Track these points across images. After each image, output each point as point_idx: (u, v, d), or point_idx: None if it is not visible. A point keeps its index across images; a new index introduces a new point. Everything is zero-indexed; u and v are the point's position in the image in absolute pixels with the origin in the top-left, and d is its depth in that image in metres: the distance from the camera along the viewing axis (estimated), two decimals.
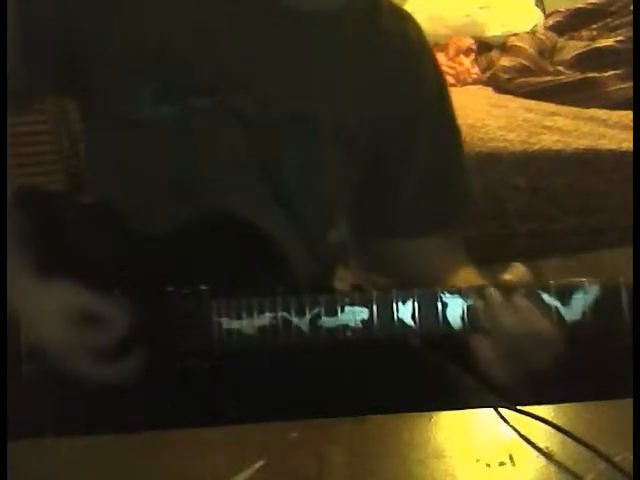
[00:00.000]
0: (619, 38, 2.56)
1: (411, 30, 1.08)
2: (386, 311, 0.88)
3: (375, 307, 0.89)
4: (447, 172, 1.11)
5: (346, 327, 0.89)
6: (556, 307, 0.87)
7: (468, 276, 1.01)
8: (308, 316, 0.89)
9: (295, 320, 0.89)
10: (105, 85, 0.97)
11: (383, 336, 0.89)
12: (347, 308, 0.89)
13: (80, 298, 0.88)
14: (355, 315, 0.89)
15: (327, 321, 0.89)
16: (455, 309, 0.88)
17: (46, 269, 0.89)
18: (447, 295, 0.88)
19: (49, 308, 0.87)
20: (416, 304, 0.88)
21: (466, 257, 1.09)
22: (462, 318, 0.88)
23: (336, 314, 0.89)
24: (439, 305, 0.88)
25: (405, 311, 0.88)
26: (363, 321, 0.89)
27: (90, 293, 0.88)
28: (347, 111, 1.01)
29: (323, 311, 0.89)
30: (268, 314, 0.89)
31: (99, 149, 1.07)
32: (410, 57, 1.06)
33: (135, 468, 0.77)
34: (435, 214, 1.10)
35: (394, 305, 0.88)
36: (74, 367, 0.88)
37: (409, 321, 0.88)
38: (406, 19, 1.08)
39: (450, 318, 0.88)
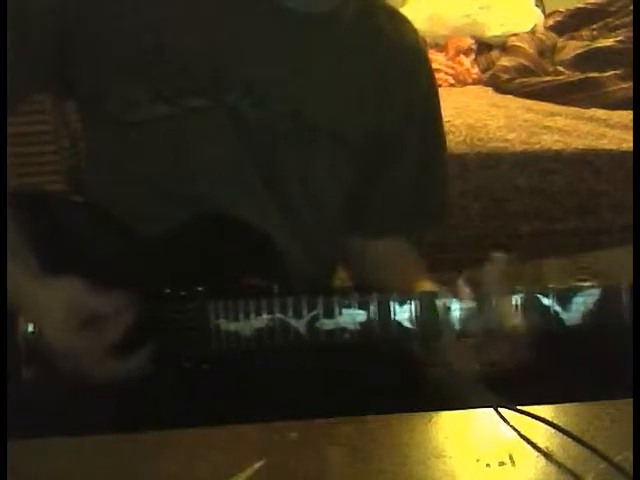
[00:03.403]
0: (619, 38, 2.56)
1: (407, 33, 1.08)
2: (384, 313, 0.88)
3: (373, 309, 0.88)
4: (432, 175, 1.13)
5: (344, 329, 0.89)
6: (555, 310, 0.87)
7: (422, 280, 1.01)
8: (306, 318, 0.88)
9: (293, 322, 0.88)
10: (102, 86, 0.97)
11: (381, 338, 0.89)
12: (345, 310, 0.89)
13: (83, 296, 0.88)
14: (353, 317, 0.89)
15: (325, 323, 0.89)
16: (453, 312, 0.88)
17: (44, 269, 0.89)
18: (445, 297, 0.88)
19: (52, 306, 0.87)
20: (414, 306, 0.88)
21: (422, 262, 1.09)
22: (460, 321, 0.88)
23: (334, 316, 0.89)
24: (437, 307, 0.88)
25: (403, 313, 0.88)
26: (361, 323, 0.89)
27: (92, 292, 0.88)
28: (343, 111, 1.01)
29: (321, 313, 0.88)
30: (265, 316, 0.89)
31: (98, 149, 1.07)
32: (405, 59, 1.07)
33: (135, 468, 0.76)
34: (415, 216, 1.12)
35: (392, 307, 0.88)
36: (76, 365, 0.88)
37: (407, 323, 0.88)
38: (402, 21, 1.09)
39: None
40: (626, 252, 0.99)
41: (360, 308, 0.88)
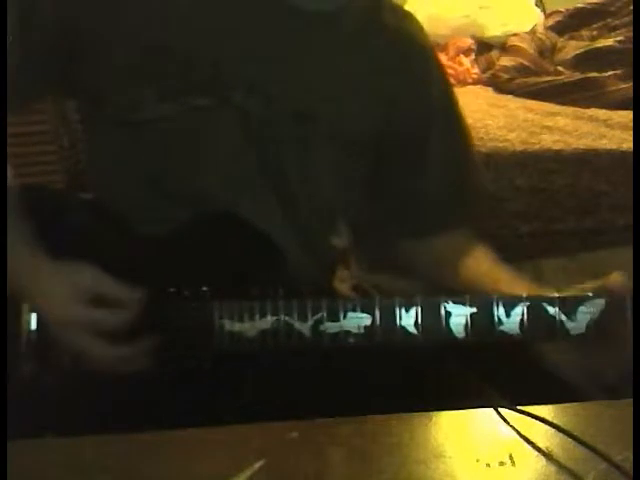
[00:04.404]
0: (619, 38, 2.56)
1: (413, 29, 1.08)
2: (389, 318, 0.88)
3: (378, 313, 0.88)
4: (461, 167, 1.12)
5: (348, 333, 0.89)
6: (560, 318, 0.87)
7: (494, 271, 1.02)
8: (310, 321, 0.88)
9: (297, 324, 0.88)
10: (105, 85, 0.97)
11: (385, 342, 0.89)
12: (349, 314, 0.89)
13: (90, 278, 0.88)
14: (357, 321, 0.89)
15: (329, 326, 0.89)
16: (458, 317, 0.88)
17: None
18: (450, 303, 0.88)
19: (59, 283, 0.87)
20: (419, 312, 0.88)
21: (485, 247, 1.09)
22: (465, 326, 0.88)
23: (338, 319, 0.89)
24: (442, 313, 0.88)
25: (408, 318, 0.88)
26: (365, 327, 0.88)
27: (99, 275, 0.88)
28: (351, 110, 1.01)
29: (325, 316, 0.88)
30: (270, 317, 0.89)
31: (100, 149, 1.07)
32: (413, 57, 1.06)
33: (135, 468, 0.76)
34: (453, 211, 1.11)
35: (397, 312, 0.88)
36: (77, 354, 0.88)
37: (412, 329, 0.88)
38: (408, 19, 1.09)
39: (453, 326, 0.88)
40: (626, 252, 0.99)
41: (365, 312, 0.88)
